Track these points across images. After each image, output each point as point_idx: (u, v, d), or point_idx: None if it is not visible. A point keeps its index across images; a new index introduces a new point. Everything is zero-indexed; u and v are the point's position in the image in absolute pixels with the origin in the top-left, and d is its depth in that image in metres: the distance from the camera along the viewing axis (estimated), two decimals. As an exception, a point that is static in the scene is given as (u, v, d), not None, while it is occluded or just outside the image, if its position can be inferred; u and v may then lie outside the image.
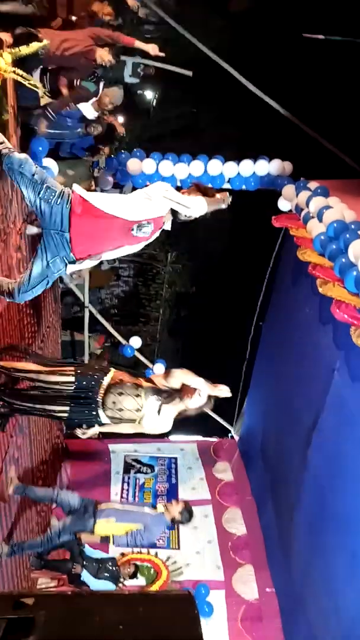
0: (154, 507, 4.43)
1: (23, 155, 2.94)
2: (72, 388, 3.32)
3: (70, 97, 4.78)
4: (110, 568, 5.46)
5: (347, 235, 3.79)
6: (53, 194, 2.85)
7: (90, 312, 7.71)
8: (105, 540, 4.36)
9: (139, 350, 7.93)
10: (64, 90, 4.71)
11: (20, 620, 1.60)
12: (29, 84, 3.10)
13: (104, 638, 1.57)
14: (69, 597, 2.09)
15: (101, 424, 3.46)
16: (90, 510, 4.36)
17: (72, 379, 3.35)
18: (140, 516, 4.26)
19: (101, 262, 9.38)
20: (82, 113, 5.21)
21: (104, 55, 4.61)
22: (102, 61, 4.60)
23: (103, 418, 3.40)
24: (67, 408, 3.34)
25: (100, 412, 3.37)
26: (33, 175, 2.86)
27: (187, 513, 4.26)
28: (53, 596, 1.95)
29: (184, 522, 4.35)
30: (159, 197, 2.95)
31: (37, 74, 4.47)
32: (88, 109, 4.96)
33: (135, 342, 7.84)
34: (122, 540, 4.26)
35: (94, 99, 4.91)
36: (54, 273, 3.04)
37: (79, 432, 3.53)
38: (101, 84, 5.05)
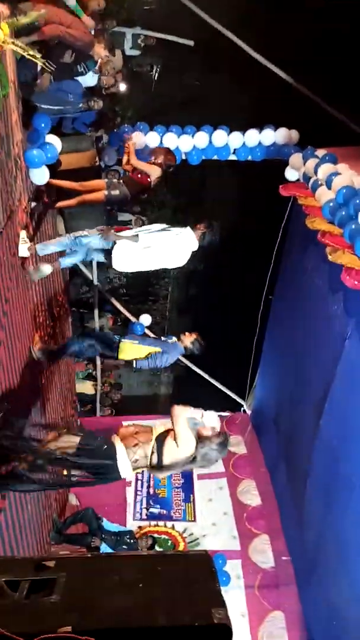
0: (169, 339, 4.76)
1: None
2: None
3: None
4: (128, 541, 5.59)
5: (357, 201, 3.73)
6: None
7: (99, 291, 7.71)
8: (128, 363, 4.61)
9: (148, 327, 7.93)
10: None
11: (43, 581, 1.65)
12: (29, 54, 3.05)
13: (124, 596, 1.60)
14: (88, 559, 2.13)
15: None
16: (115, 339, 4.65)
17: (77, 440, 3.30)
18: (159, 342, 4.62)
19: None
20: (83, 88, 5.14)
21: (100, 52, 4.71)
22: (98, 56, 4.68)
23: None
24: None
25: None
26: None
27: (198, 343, 4.59)
28: (73, 559, 1.99)
29: (195, 352, 4.66)
30: None
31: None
32: (89, 79, 4.91)
33: (145, 319, 7.84)
34: (144, 363, 4.54)
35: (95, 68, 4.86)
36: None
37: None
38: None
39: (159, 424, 3.33)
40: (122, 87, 5.01)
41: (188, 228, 4.53)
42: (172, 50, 6.95)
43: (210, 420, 3.27)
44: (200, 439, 3.19)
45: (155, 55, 7.11)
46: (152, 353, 4.48)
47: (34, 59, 3.18)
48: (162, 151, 5.09)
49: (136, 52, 6.71)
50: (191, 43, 6.71)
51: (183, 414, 3.20)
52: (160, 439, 3.26)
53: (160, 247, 4.41)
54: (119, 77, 5.02)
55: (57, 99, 5.00)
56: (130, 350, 4.51)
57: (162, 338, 4.73)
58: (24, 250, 4.26)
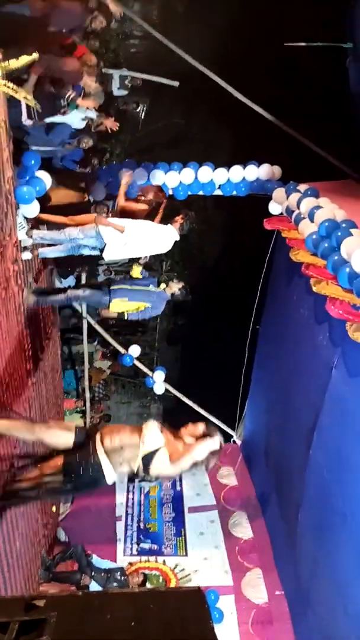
0: (157, 285, 5.09)
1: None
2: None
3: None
4: (119, 578, 5.47)
5: (339, 233, 3.86)
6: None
7: (88, 323, 7.73)
8: (121, 315, 5.01)
9: (138, 359, 7.94)
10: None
11: (33, 622, 1.62)
12: (19, 95, 3.16)
13: (116, 635, 1.59)
14: (79, 597, 2.10)
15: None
16: (105, 288, 4.97)
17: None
18: (147, 295, 4.94)
19: (97, 274, 9.52)
20: (72, 129, 5.28)
21: (90, 84, 4.79)
22: (87, 87, 4.78)
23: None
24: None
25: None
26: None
27: (184, 290, 4.96)
28: (64, 597, 1.96)
29: (181, 298, 5.02)
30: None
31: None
32: (76, 118, 5.04)
33: (135, 350, 7.85)
34: (134, 315, 5.00)
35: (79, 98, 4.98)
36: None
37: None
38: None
39: (147, 439, 3.18)
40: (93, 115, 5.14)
41: (169, 225, 4.93)
42: (158, 91, 7.20)
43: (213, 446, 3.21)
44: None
45: (142, 96, 7.36)
46: (142, 308, 4.92)
47: (25, 101, 3.29)
48: (152, 189, 5.27)
49: (123, 92, 6.94)
50: (176, 84, 6.96)
51: (198, 457, 3.14)
52: (148, 460, 3.17)
53: (145, 237, 4.85)
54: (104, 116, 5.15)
55: (47, 141, 5.12)
56: (121, 305, 4.92)
57: (151, 287, 5.02)
58: (26, 254, 4.70)
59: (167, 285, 5.05)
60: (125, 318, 5.04)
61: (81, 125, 5.10)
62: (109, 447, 3.17)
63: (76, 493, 3.29)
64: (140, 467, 3.17)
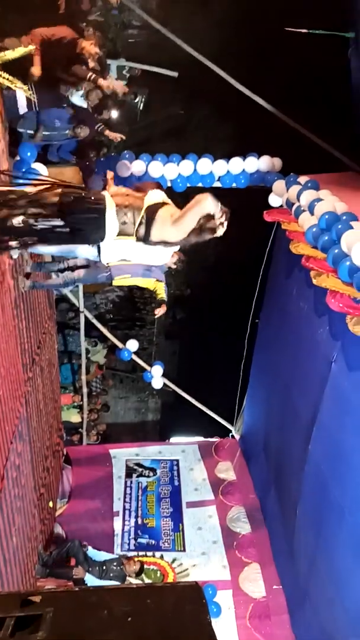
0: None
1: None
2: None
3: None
4: (115, 568, 5.45)
5: (339, 226, 3.81)
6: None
7: (85, 317, 7.68)
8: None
9: (136, 353, 7.90)
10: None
11: (29, 618, 1.59)
12: (16, 86, 3.11)
13: (113, 630, 1.56)
14: (76, 593, 2.07)
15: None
16: (101, 266, 4.65)
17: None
18: (146, 269, 4.74)
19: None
20: (70, 114, 5.21)
21: (89, 48, 4.56)
22: (87, 53, 4.56)
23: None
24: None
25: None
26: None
27: (180, 261, 4.74)
28: (60, 593, 1.93)
29: (178, 269, 4.89)
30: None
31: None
32: (77, 99, 4.96)
33: (132, 345, 7.81)
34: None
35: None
36: None
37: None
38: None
39: (152, 192, 3.04)
40: (114, 114, 5.03)
41: None
42: (156, 81, 7.12)
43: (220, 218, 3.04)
44: (200, 228, 3.01)
45: (140, 86, 7.28)
46: (152, 287, 4.81)
47: (20, 90, 3.24)
48: (151, 185, 5.16)
49: (121, 83, 6.85)
50: (175, 74, 6.88)
51: (205, 208, 2.92)
52: (152, 211, 3.00)
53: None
54: (108, 108, 5.07)
55: (44, 124, 5.04)
56: (125, 281, 4.75)
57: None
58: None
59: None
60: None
61: (81, 101, 5.02)
62: (116, 191, 3.08)
63: (70, 230, 3.04)
64: (143, 223, 3.00)
